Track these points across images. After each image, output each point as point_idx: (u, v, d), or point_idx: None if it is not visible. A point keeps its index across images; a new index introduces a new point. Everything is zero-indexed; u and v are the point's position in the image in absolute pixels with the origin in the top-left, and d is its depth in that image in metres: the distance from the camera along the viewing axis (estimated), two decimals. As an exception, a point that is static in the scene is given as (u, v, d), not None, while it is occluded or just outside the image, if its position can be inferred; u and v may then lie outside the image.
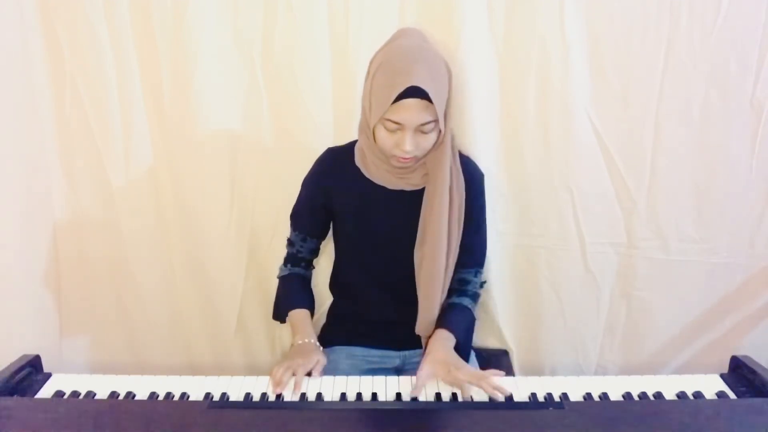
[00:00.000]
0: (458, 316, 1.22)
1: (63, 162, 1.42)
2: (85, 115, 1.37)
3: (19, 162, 1.34)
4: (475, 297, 1.27)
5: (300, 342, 1.18)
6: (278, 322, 1.37)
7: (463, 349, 1.22)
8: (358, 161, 1.21)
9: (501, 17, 1.31)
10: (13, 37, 1.28)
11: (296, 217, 1.31)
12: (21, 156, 1.34)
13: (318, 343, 1.20)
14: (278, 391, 1.03)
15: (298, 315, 1.26)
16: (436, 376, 1.09)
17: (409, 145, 1.06)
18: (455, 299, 1.25)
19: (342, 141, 1.31)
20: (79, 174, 1.43)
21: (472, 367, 1.09)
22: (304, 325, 1.23)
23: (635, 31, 1.29)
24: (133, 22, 1.31)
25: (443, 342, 1.15)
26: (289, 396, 1.04)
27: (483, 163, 1.32)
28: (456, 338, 1.17)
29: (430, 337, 1.20)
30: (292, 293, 1.30)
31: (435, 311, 1.20)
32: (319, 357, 1.13)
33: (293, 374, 1.06)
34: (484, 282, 1.33)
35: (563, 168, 1.40)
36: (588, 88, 1.34)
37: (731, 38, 1.28)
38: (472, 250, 1.26)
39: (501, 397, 1.01)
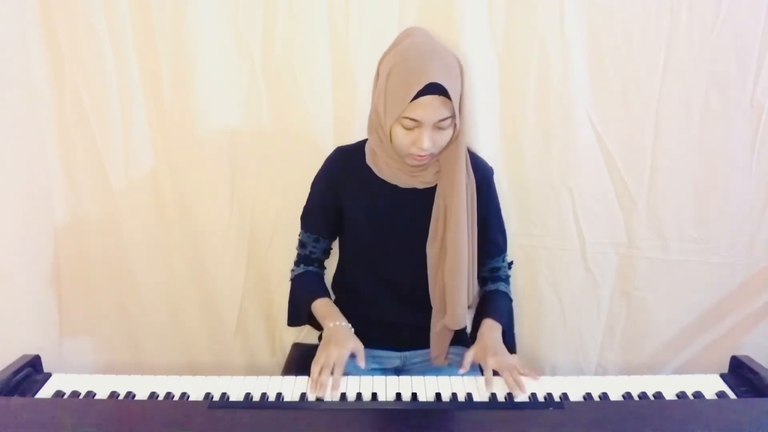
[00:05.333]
0: (499, 304, 1.27)
1: (63, 162, 1.42)
2: (85, 115, 1.37)
3: (19, 162, 1.34)
4: (507, 279, 1.33)
5: (332, 325, 1.18)
6: (281, 324, 1.37)
7: (508, 332, 1.27)
8: (369, 160, 1.21)
9: (501, 17, 1.31)
10: (13, 37, 1.28)
11: (307, 218, 1.31)
12: (21, 156, 1.34)
13: (350, 326, 1.20)
14: (320, 394, 1.03)
15: (324, 302, 1.25)
16: (476, 359, 1.13)
17: (427, 142, 1.07)
18: (491, 286, 1.30)
19: (342, 140, 1.31)
20: (79, 174, 1.43)
21: (512, 357, 1.13)
22: (333, 310, 1.23)
23: (635, 31, 1.29)
24: (133, 22, 1.31)
25: (491, 331, 1.19)
26: (329, 396, 1.03)
27: (489, 164, 1.32)
28: (501, 326, 1.21)
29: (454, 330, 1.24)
30: (311, 287, 1.30)
31: (464, 304, 1.21)
32: (354, 344, 1.13)
33: (332, 373, 1.06)
34: (511, 262, 1.36)
35: (563, 168, 1.40)
36: (588, 88, 1.34)
37: (731, 38, 1.28)
38: (495, 240, 1.30)
39: (518, 393, 1.03)
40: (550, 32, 1.30)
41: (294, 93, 1.36)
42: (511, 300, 1.32)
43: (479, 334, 1.19)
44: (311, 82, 1.36)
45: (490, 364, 1.08)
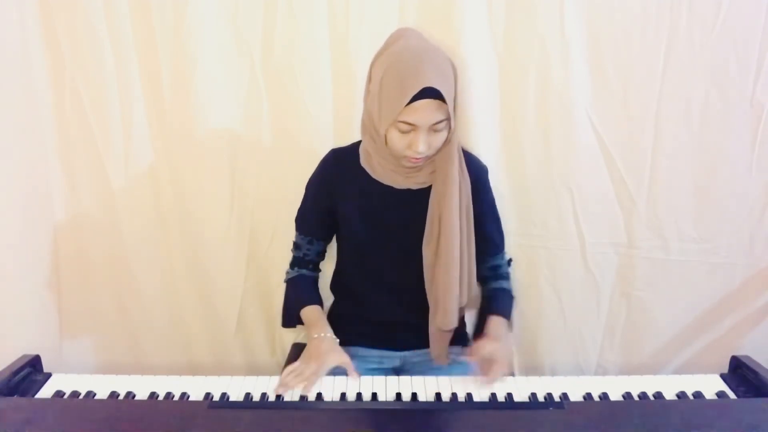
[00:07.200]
0: (505, 302, 1.28)
1: (63, 162, 1.42)
2: (85, 115, 1.37)
3: (19, 162, 1.34)
4: (508, 276, 1.34)
5: (316, 336, 1.18)
6: (280, 324, 1.37)
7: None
8: (363, 162, 1.21)
9: (501, 17, 1.31)
10: (13, 37, 1.28)
11: (302, 220, 1.31)
12: (21, 156, 1.34)
13: (335, 338, 1.19)
14: (279, 392, 1.04)
15: (312, 310, 1.26)
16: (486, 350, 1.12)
17: (423, 145, 1.07)
18: (494, 284, 1.30)
19: (342, 141, 1.31)
20: (79, 174, 1.43)
21: (503, 363, 1.11)
22: (319, 320, 1.23)
23: (635, 31, 1.29)
24: (133, 22, 1.31)
25: (498, 328, 1.20)
26: (290, 396, 1.04)
27: (483, 163, 1.32)
28: (508, 322, 1.24)
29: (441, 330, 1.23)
30: (302, 293, 1.30)
31: (455, 305, 1.21)
32: (338, 357, 1.13)
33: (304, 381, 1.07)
34: (510, 259, 1.36)
35: (563, 168, 1.40)
36: (588, 88, 1.34)
37: (731, 38, 1.28)
38: (492, 239, 1.30)
39: (484, 384, 1.06)
40: (550, 32, 1.30)
41: (294, 93, 1.36)
42: (513, 297, 1.32)
43: (487, 331, 1.18)
44: (311, 82, 1.36)
45: (489, 350, 1.09)
